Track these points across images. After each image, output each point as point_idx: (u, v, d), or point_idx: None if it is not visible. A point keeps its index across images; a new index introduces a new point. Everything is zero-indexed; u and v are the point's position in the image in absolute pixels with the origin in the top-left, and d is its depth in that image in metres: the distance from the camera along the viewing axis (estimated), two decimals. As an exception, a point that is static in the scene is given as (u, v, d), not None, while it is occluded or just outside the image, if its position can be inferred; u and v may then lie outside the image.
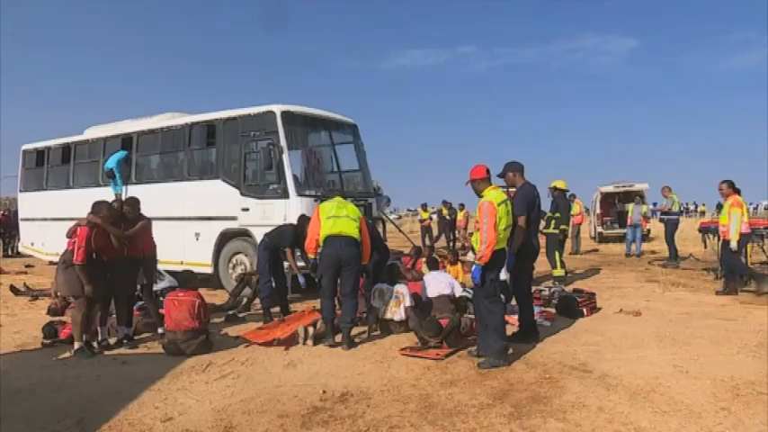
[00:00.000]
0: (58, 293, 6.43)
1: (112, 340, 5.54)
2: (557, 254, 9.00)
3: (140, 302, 6.09)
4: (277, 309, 6.45)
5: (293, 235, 6.48)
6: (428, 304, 5.73)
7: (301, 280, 6.63)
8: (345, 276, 5.34)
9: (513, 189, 5.36)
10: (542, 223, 9.21)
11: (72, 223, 5.26)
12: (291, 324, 5.62)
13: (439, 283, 5.81)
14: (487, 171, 4.73)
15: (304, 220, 6.56)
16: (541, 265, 9.43)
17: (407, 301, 5.63)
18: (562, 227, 9.12)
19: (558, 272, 8.96)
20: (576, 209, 14.03)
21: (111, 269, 5.39)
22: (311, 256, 5.64)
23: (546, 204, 10.26)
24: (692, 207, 48.46)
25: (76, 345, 5.07)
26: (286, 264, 6.74)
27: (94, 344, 5.33)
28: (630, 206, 14.57)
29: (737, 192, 7.52)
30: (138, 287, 5.87)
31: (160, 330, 5.61)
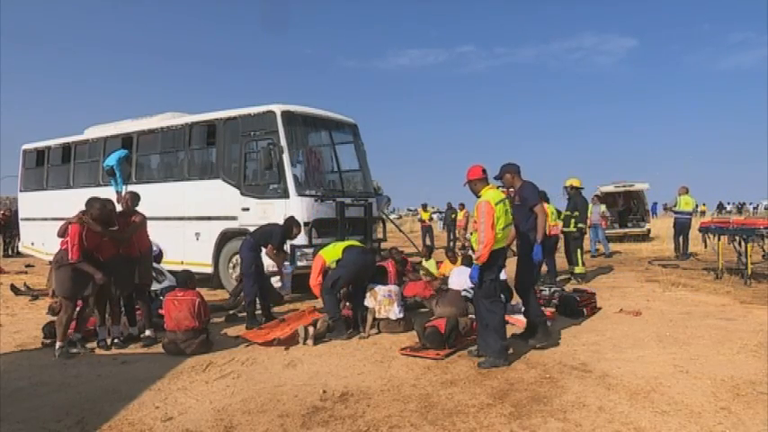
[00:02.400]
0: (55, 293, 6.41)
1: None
2: (578, 251, 9.19)
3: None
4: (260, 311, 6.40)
5: (281, 234, 6.46)
6: (447, 295, 5.90)
7: (287, 285, 6.61)
8: (361, 280, 5.85)
9: (512, 189, 5.38)
10: (561, 223, 9.44)
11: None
12: (291, 324, 5.62)
13: (462, 279, 5.90)
14: (484, 171, 4.73)
15: (291, 221, 6.61)
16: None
17: (400, 300, 5.81)
18: (579, 225, 9.32)
19: (580, 269, 9.16)
20: None
21: (106, 268, 5.36)
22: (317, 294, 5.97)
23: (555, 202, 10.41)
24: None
25: (58, 344, 5.04)
26: (267, 262, 6.70)
27: (94, 344, 5.33)
28: (590, 207, 14.98)
29: (547, 200, 9.00)
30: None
31: (147, 332, 5.55)
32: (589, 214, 14.11)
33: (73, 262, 4.95)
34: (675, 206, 12.59)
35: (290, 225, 6.57)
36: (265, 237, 6.45)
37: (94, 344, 5.39)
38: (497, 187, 4.86)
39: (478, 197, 4.62)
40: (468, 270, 6.09)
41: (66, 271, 5.00)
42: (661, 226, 22.82)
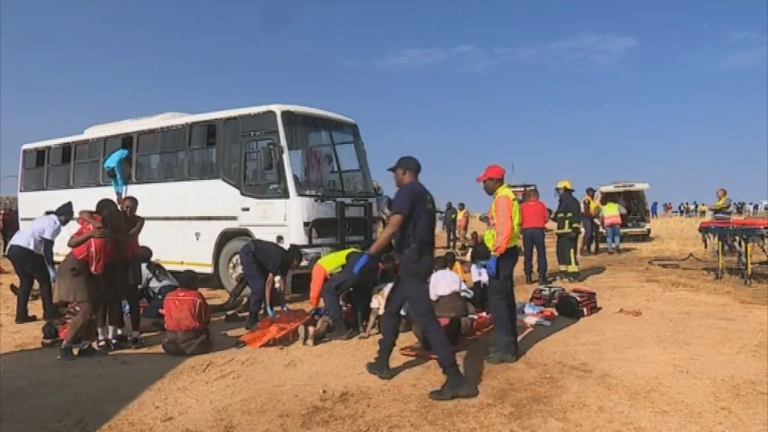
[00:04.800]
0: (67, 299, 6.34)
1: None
2: (571, 251, 9.27)
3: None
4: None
5: (281, 261, 6.30)
6: (440, 303, 5.74)
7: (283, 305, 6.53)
8: (364, 283, 5.82)
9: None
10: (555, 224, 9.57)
11: (73, 224, 5.22)
12: (286, 325, 5.56)
13: (449, 281, 5.87)
14: (503, 173, 4.90)
15: (294, 251, 6.55)
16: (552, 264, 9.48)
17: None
18: (575, 225, 9.45)
19: (573, 268, 9.20)
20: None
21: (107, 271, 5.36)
22: (312, 307, 5.85)
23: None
24: (692, 207, 48.53)
25: (65, 344, 5.01)
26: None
27: (94, 344, 5.33)
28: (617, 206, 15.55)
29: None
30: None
31: (134, 334, 5.54)
32: (617, 212, 14.53)
33: (98, 273, 5.04)
34: (728, 207, 12.94)
35: (292, 255, 6.41)
36: (265, 256, 6.30)
37: (94, 344, 5.38)
38: (509, 187, 4.99)
39: (491, 194, 4.80)
40: (446, 272, 6.11)
41: (86, 277, 4.99)
42: (661, 226, 22.87)
